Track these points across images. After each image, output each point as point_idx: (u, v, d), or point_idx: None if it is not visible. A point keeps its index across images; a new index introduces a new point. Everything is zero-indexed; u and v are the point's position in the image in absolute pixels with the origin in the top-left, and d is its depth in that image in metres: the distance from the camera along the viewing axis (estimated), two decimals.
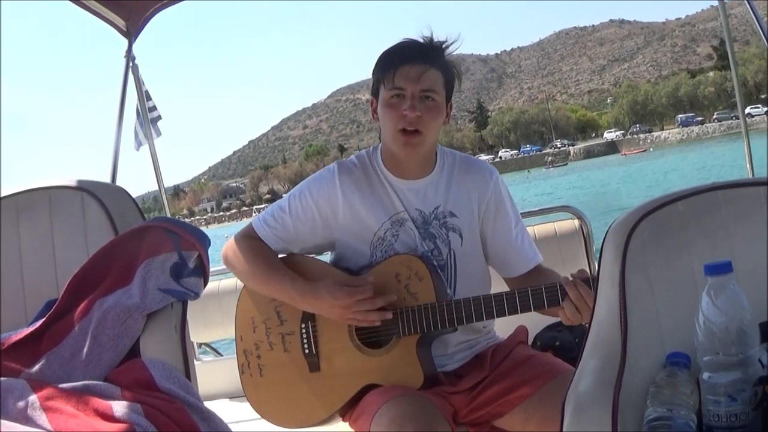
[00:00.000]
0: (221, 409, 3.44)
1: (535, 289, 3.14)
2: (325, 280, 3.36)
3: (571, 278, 3.07)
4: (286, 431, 3.58)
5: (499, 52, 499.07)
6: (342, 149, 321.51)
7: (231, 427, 2.73)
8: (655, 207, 2.42)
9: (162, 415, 2.50)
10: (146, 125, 6.14)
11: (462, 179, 3.51)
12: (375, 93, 3.46)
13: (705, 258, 2.21)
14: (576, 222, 4.75)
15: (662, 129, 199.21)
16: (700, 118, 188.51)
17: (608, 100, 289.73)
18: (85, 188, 3.28)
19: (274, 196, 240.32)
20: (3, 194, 3.35)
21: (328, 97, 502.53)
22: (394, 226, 3.43)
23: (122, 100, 5.75)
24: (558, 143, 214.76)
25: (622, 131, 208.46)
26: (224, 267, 3.79)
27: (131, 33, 5.75)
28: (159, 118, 6.30)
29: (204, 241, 3.06)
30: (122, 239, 3.06)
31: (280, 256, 3.59)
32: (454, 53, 3.45)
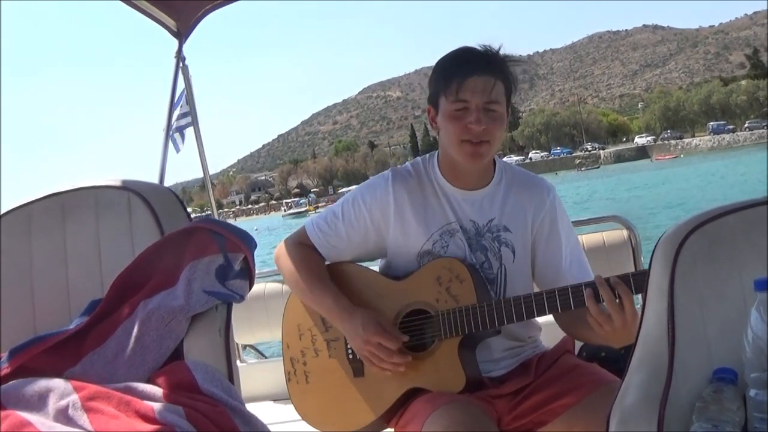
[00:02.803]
0: (265, 411, 3.45)
1: (574, 286, 3.11)
2: (367, 311, 3.36)
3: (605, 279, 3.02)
4: None
5: (531, 54, 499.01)
6: (372, 145, 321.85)
7: (274, 429, 2.73)
8: (705, 220, 2.39)
9: (204, 418, 2.50)
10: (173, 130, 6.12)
11: (519, 194, 3.48)
12: (434, 102, 3.41)
13: (755, 273, 2.20)
14: (625, 232, 4.70)
15: (693, 136, 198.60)
16: (731, 126, 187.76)
17: (639, 105, 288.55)
18: (132, 189, 3.28)
19: (303, 191, 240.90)
20: (49, 193, 3.36)
21: (359, 93, 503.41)
22: (443, 237, 3.40)
23: (171, 100, 5.76)
24: (588, 146, 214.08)
25: (653, 136, 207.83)
26: (270, 269, 3.80)
27: (182, 33, 5.74)
28: (189, 125, 6.27)
29: (250, 244, 3.04)
30: (168, 240, 3.06)
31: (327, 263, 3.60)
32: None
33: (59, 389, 2.59)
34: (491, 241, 3.42)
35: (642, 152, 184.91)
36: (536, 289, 3.51)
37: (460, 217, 3.42)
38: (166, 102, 5.86)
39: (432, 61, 3.47)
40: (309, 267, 3.51)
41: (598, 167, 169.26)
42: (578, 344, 3.87)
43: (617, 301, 2.95)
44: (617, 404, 2.30)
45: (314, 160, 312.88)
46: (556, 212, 3.51)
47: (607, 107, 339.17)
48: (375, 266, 3.67)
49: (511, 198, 3.47)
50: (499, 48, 3.35)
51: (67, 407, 2.51)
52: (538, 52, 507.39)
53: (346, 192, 3.94)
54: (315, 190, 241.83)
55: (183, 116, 6.14)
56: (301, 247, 3.58)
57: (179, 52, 5.80)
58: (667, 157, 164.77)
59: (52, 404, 2.54)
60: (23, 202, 3.34)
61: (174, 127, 6.07)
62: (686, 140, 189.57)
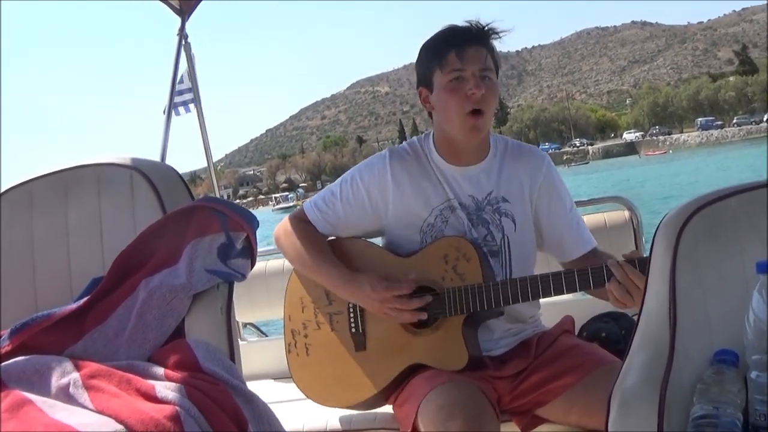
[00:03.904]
0: (265, 389, 3.44)
1: (581, 269, 3.14)
2: (368, 273, 3.39)
3: (617, 261, 3.05)
4: (330, 411, 3.62)
5: (519, 50, 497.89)
6: (360, 141, 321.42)
7: (275, 407, 2.72)
8: (707, 202, 2.39)
9: (205, 396, 2.49)
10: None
11: (514, 164, 3.52)
12: (426, 82, 3.44)
13: (757, 255, 2.20)
14: (626, 213, 4.70)
15: (681, 131, 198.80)
16: (719, 122, 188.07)
17: (627, 101, 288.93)
18: (135, 166, 3.28)
19: (291, 185, 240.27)
20: (51, 170, 3.35)
21: (348, 88, 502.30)
22: (444, 212, 3.43)
23: (174, 78, 5.77)
24: (577, 142, 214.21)
25: (642, 132, 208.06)
26: (272, 248, 3.80)
27: (184, 11, 5.73)
28: (192, 101, 6.21)
29: (252, 222, 3.04)
30: (170, 219, 3.06)
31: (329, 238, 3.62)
32: None
33: (60, 367, 2.59)
34: (492, 213, 3.45)
35: (630, 148, 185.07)
36: (544, 256, 3.63)
37: (458, 194, 3.45)
38: (166, 84, 5.82)
39: None
40: (312, 242, 3.53)
41: (587, 163, 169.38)
42: (578, 324, 3.90)
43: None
44: (618, 385, 2.30)
45: (302, 155, 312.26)
46: (553, 178, 3.56)
47: (596, 103, 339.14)
48: (379, 242, 3.68)
49: (506, 169, 3.50)
50: (489, 25, 3.42)
51: (68, 385, 2.50)
52: (526, 48, 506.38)
53: None
54: (303, 185, 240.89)
55: (182, 93, 6.10)
56: (303, 224, 3.60)
57: (182, 29, 5.78)
58: (655, 152, 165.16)
59: (53, 382, 2.54)
60: (25, 180, 3.33)
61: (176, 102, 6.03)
62: (674, 136, 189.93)
